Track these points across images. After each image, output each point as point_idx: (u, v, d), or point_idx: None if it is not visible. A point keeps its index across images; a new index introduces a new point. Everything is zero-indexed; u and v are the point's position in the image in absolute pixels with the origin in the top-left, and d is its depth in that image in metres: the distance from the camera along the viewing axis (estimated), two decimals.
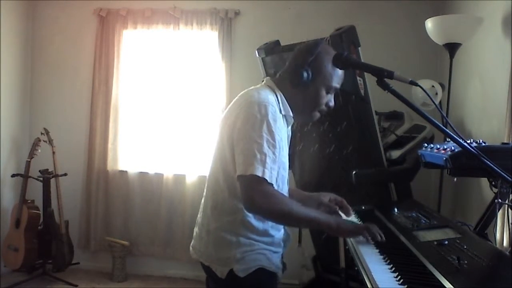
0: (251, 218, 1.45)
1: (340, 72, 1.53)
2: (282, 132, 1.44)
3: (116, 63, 3.95)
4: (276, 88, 1.52)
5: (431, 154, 1.75)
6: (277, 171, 1.40)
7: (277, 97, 1.48)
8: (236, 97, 1.52)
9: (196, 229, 1.61)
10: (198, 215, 1.61)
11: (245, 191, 1.36)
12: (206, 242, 1.52)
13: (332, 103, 1.56)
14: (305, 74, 1.47)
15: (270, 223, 1.49)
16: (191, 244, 1.62)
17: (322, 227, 1.46)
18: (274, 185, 1.38)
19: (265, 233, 1.49)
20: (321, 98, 1.52)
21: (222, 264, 1.47)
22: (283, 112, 1.48)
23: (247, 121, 1.39)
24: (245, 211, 1.40)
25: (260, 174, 1.33)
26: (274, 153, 1.37)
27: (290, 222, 1.49)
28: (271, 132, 1.37)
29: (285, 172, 1.52)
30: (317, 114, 1.57)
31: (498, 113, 2.33)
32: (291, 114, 1.51)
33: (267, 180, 1.34)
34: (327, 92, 1.53)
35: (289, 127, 1.55)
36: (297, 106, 1.52)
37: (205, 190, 1.58)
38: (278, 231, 1.53)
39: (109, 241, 3.89)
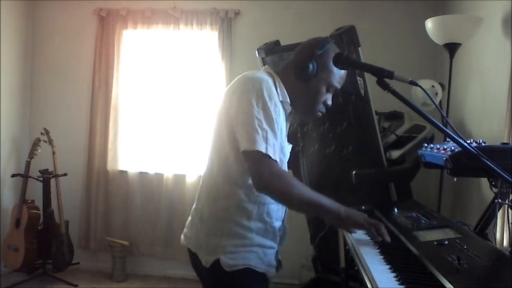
0: (246, 202, 1.43)
1: (342, 72, 1.51)
2: (280, 114, 1.42)
3: (116, 63, 3.95)
4: (275, 75, 1.49)
5: (431, 154, 1.75)
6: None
7: (274, 82, 1.46)
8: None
9: (189, 218, 1.61)
10: (193, 205, 1.59)
11: (252, 168, 1.34)
12: (197, 229, 1.51)
13: (330, 102, 1.54)
14: (311, 66, 1.45)
15: (265, 208, 1.45)
16: (183, 232, 1.62)
17: (331, 215, 1.43)
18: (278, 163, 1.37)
19: (260, 219, 1.45)
20: (321, 95, 1.50)
21: (210, 252, 1.45)
22: (280, 98, 1.45)
23: (244, 97, 1.38)
24: (254, 189, 1.37)
25: (264, 150, 1.32)
26: (273, 130, 1.36)
27: (298, 204, 1.42)
28: (267, 108, 1.36)
29: (284, 157, 1.49)
30: (316, 113, 1.54)
31: (498, 113, 2.33)
32: (288, 101, 1.48)
33: (271, 157, 1.33)
34: (327, 90, 1.51)
35: (288, 116, 1.51)
36: (296, 100, 1.50)
37: (201, 179, 1.57)
38: (276, 220, 1.50)
39: (109, 241, 3.89)
